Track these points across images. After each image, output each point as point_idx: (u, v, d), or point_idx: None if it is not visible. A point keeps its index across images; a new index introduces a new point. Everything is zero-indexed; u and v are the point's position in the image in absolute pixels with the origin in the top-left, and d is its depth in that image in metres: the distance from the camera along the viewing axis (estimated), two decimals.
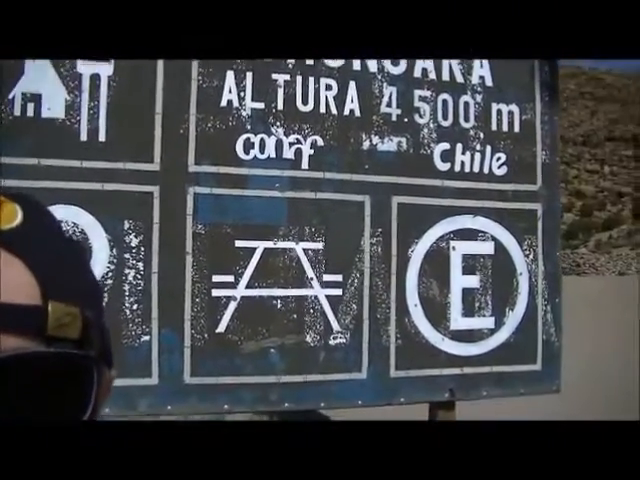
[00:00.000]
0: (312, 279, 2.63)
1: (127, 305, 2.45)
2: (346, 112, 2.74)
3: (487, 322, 2.88)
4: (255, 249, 2.57)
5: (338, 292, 2.65)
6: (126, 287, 2.45)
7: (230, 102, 2.61)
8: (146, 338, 2.45)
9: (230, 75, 2.61)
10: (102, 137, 2.47)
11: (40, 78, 2.44)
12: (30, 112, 2.42)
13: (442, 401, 2.79)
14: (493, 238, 2.91)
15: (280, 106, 2.66)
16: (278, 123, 2.65)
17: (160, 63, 2.54)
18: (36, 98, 2.43)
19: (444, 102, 2.89)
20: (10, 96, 2.40)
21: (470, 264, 2.87)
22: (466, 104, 2.92)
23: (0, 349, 0.53)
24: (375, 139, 2.76)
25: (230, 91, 2.61)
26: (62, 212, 2.38)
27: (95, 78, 2.50)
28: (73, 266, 0.66)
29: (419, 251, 2.78)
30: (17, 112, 2.40)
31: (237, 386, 2.52)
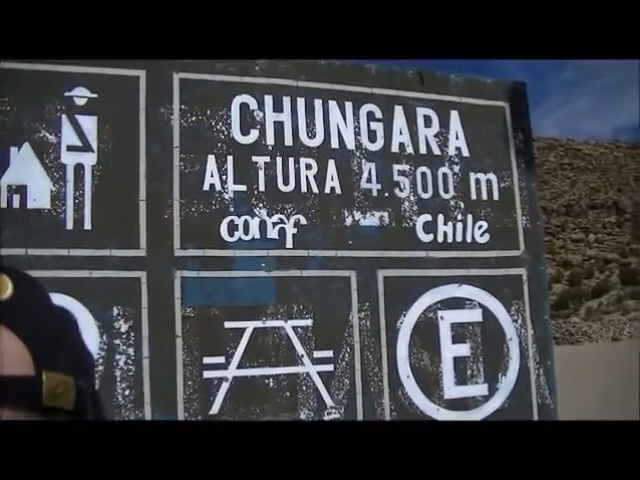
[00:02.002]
0: (303, 356, 2.63)
1: (119, 391, 2.44)
2: (327, 190, 2.79)
3: (480, 389, 2.88)
4: (244, 329, 2.58)
5: (330, 368, 2.65)
6: (117, 373, 2.45)
7: (212, 186, 2.65)
8: None
9: (211, 159, 2.67)
10: (88, 225, 2.50)
11: (25, 169, 2.48)
12: (16, 203, 2.45)
13: None
14: (480, 305, 2.93)
15: (262, 187, 2.71)
16: (261, 204, 2.69)
17: (142, 150, 2.59)
18: (22, 189, 2.46)
19: (423, 175, 2.95)
20: None
21: (459, 332, 2.88)
22: (445, 175, 2.99)
23: None
24: (357, 215, 2.80)
25: (212, 175, 2.66)
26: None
27: (79, 168, 2.55)
28: (64, 336, 0.67)
29: (408, 322, 2.79)
30: (3, 204, 2.43)
31: None
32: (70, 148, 2.56)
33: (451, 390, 2.83)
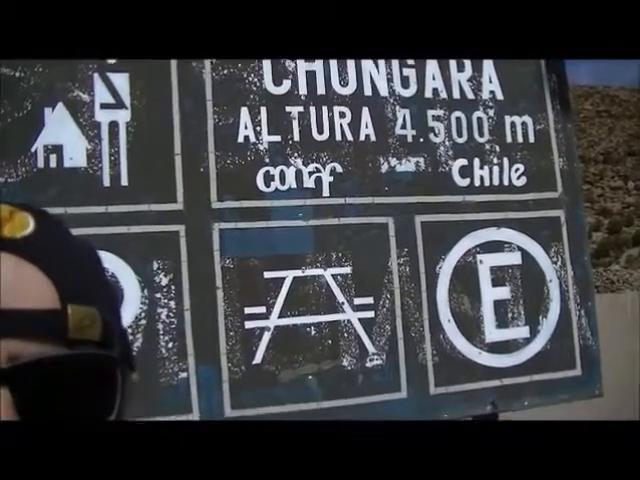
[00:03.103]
0: (343, 303, 2.64)
1: (162, 344, 2.47)
2: (362, 137, 2.77)
3: (522, 332, 2.87)
4: (284, 279, 2.60)
5: (370, 314, 2.66)
6: (160, 326, 2.48)
7: (247, 137, 2.66)
8: (184, 375, 2.47)
9: (244, 111, 2.66)
10: (124, 182, 2.52)
11: (60, 129, 2.50)
12: (53, 163, 2.47)
13: (485, 414, 2.77)
14: (519, 248, 2.91)
15: (296, 137, 2.70)
16: (296, 154, 2.69)
17: (176, 106, 2.60)
18: (58, 149, 2.49)
19: (457, 119, 2.92)
20: (32, 149, 2.47)
21: (499, 276, 2.87)
22: (479, 119, 2.95)
23: (24, 355, 0.54)
24: (393, 161, 2.79)
25: (246, 127, 2.66)
26: None
27: (113, 125, 2.56)
28: (88, 270, 0.66)
29: (447, 267, 2.79)
30: (40, 164, 2.46)
31: (278, 415, 2.53)
32: (103, 106, 2.57)
33: (492, 333, 2.83)
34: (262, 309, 2.57)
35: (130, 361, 0.66)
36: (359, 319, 2.65)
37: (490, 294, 2.84)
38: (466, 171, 2.89)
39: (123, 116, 2.58)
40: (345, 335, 2.63)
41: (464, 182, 2.88)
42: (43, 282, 0.57)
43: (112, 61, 2.59)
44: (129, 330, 2.45)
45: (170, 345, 2.48)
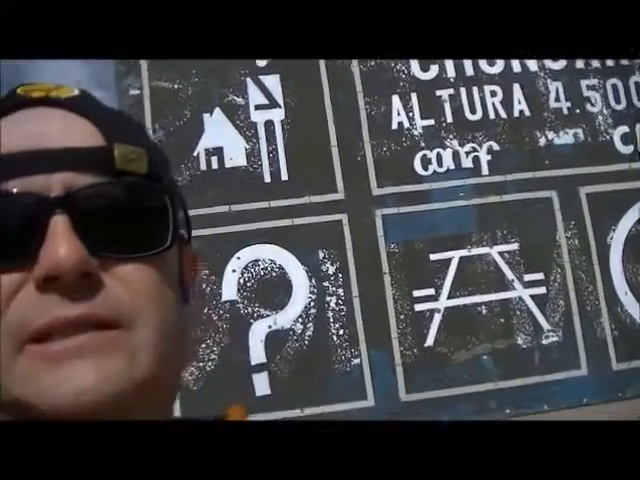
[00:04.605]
0: (513, 281, 2.58)
1: (333, 331, 2.49)
2: (516, 114, 2.72)
3: None
4: (451, 259, 2.56)
5: (542, 290, 2.58)
6: (330, 314, 2.50)
7: (400, 124, 2.66)
8: (356, 361, 2.47)
9: (395, 99, 2.68)
10: (284, 176, 2.59)
11: (219, 132, 2.60)
12: (215, 165, 2.57)
13: None
14: None
15: (450, 119, 2.69)
16: (451, 136, 2.67)
17: (327, 100, 2.64)
18: (218, 151, 2.58)
19: (614, 86, 2.82)
20: (195, 153, 2.56)
21: None
22: (637, 84, 2.84)
23: (77, 184, 0.57)
24: (550, 134, 2.72)
25: (398, 113, 2.67)
26: (258, 251, 2.49)
27: (269, 124, 2.63)
28: (133, 125, 0.69)
29: (618, 237, 2.67)
30: (203, 167, 2.56)
31: (455, 398, 2.48)
32: (258, 107, 2.64)
33: None
34: (431, 291, 2.54)
35: (186, 214, 0.68)
36: (530, 296, 2.57)
37: None
38: (628, 138, 2.77)
39: (277, 115, 2.64)
40: (517, 313, 2.56)
41: (627, 149, 2.76)
42: (89, 128, 0.61)
43: (262, 64, 2.67)
44: (300, 320, 2.48)
45: (341, 332, 2.49)
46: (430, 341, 2.51)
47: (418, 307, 2.53)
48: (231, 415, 0.70)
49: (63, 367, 0.54)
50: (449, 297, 2.54)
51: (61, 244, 0.54)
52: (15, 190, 0.56)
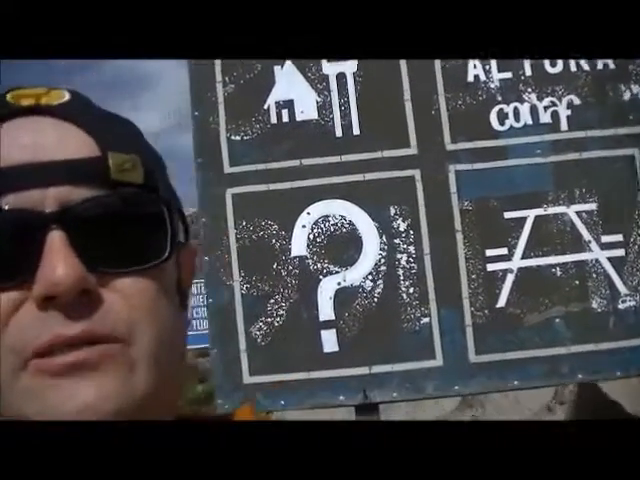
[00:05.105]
0: (590, 242, 2.49)
1: (403, 289, 2.46)
2: (599, 66, 2.60)
3: None
4: (525, 218, 2.49)
5: (620, 253, 2.49)
6: (400, 272, 2.47)
7: (477, 77, 2.58)
8: (426, 320, 2.44)
9: None
10: (356, 130, 2.54)
11: (290, 85, 2.56)
12: (285, 118, 2.54)
13: None
14: None
15: (528, 72, 2.58)
16: (529, 89, 2.57)
17: None
18: (289, 104, 2.54)
19: None
20: (265, 106, 2.54)
21: None
22: None
23: (72, 199, 0.56)
24: (635, 88, 2.59)
25: (474, 66, 2.58)
26: (328, 206, 2.46)
27: (341, 77, 2.58)
28: (126, 130, 0.67)
29: None
30: (274, 120, 2.53)
31: (525, 361, 2.44)
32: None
33: None
34: (504, 250, 2.48)
35: (184, 223, 0.67)
36: (608, 258, 2.49)
37: None
38: None
39: (350, 67, 2.59)
40: (593, 275, 2.48)
41: None
42: (82, 137, 0.60)
43: None
44: (369, 277, 2.46)
45: (411, 290, 2.46)
46: (502, 302, 2.46)
47: (490, 267, 2.47)
48: (240, 414, 0.71)
49: (66, 383, 0.54)
50: (523, 257, 2.48)
51: (58, 262, 0.54)
52: (10, 206, 0.56)
